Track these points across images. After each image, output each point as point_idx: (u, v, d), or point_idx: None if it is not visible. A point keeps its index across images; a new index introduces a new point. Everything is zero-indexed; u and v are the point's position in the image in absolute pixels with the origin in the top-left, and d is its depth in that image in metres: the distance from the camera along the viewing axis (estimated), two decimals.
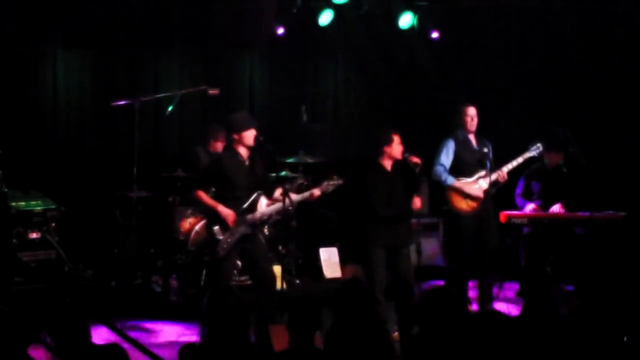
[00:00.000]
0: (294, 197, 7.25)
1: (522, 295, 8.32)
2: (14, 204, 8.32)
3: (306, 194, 7.32)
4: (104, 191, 9.31)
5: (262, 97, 10.50)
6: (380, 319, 5.11)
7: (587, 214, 8.42)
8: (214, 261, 7.10)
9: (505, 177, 8.24)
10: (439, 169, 8.20)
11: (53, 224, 8.45)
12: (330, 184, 7.31)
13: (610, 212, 8.49)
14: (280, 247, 9.11)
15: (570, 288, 8.53)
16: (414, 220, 8.67)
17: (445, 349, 4.61)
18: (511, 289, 8.87)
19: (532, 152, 8.37)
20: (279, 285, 7.40)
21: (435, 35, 10.24)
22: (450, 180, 8.16)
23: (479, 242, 8.15)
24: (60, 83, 9.57)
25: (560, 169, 8.67)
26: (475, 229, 8.16)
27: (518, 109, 10.70)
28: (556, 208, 8.54)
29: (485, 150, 8.34)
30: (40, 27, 9.32)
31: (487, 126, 8.75)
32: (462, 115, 8.26)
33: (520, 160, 8.33)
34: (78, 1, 9.42)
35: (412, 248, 8.02)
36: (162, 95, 9.20)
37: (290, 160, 9.51)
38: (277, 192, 7.19)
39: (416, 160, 7.41)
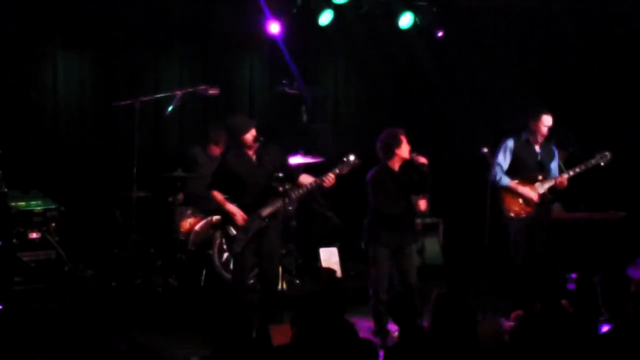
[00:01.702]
0: (309, 179, 7.23)
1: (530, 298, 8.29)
2: (14, 204, 8.34)
3: (322, 177, 7.16)
4: (104, 191, 9.31)
5: (262, 97, 10.50)
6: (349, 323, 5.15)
7: (587, 214, 8.41)
8: (233, 257, 7.33)
9: (565, 183, 8.02)
10: (495, 168, 8.01)
11: (53, 224, 8.46)
12: (346, 165, 7.16)
13: (610, 212, 8.48)
14: None
15: (571, 286, 8.51)
16: (418, 221, 8.60)
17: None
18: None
19: (598, 160, 8.07)
20: (278, 285, 7.43)
21: (440, 34, 10.22)
22: (505, 181, 7.98)
23: (525, 246, 7.98)
24: (60, 83, 9.56)
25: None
26: (524, 233, 7.97)
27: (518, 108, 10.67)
28: (555, 207, 8.52)
29: (549, 154, 8.15)
30: (40, 27, 9.31)
31: (487, 126, 8.76)
32: (537, 121, 8.04)
33: (583, 167, 8.07)
34: (78, 1, 9.41)
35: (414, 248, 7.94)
36: (162, 95, 9.20)
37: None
38: (302, 178, 7.23)
39: (422, 160, 7.34)
